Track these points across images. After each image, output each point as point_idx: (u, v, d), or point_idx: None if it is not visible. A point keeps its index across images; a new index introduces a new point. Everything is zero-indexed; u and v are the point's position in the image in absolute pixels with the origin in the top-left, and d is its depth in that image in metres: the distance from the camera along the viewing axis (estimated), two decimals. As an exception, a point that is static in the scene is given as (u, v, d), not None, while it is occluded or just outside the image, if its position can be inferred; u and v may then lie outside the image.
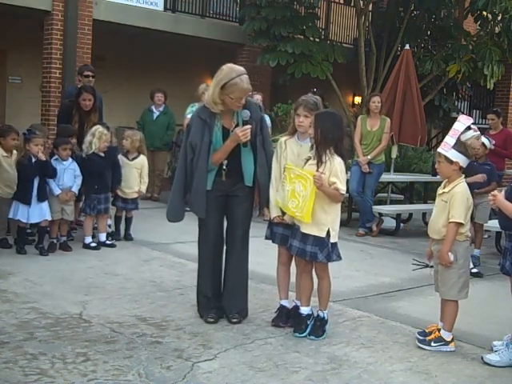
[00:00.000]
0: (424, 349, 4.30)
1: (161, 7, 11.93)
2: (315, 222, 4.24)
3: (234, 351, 4.04)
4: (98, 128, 6.79)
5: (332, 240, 4.30)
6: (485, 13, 12.32)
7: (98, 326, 4.35)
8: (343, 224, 9.40)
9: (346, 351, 4.19)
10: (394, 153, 9.79)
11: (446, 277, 4.32)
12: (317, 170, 4.20)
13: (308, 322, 4.44)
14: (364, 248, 7.90)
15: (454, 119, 13.40)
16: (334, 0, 15.09)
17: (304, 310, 4.48)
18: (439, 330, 4.38)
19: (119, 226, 7.36)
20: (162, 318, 4.61)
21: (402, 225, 9.20)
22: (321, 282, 4.47)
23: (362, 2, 13.14)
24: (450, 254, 4.23)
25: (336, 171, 4.22)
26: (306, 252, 4.30)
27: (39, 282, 5.38)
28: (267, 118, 8.93)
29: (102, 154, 6.74)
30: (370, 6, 13.65)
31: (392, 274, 6.47)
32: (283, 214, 4.48)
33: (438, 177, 10.17)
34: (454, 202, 4.23)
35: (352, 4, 13.43)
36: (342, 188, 4.25)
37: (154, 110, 10.60)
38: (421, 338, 4.38)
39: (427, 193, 10.27)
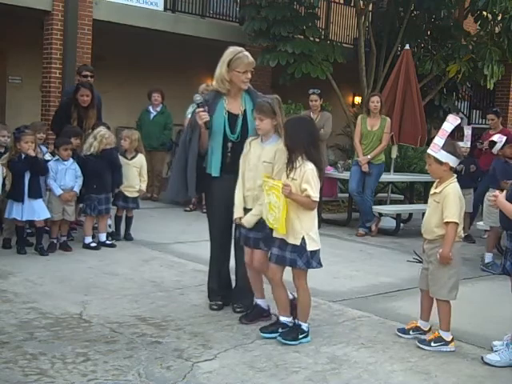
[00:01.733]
0: (424, 349, 4.31)
1: (161, 7, 11.93)
2: (290, 230, 4.17)
3: (234, 351, 4.04)
4: (101, 131, 6.83)
5: (309, 248, 4.18)
6: (485, 13, 12.32)
7: (98, 325, 4.35)
8: (343, 224, 9.44)
9: (346, 351, 4.19)
10: (394, 153, 9.79)
11: (436, 276, 4.35)
12: (287, 177, 4.15)
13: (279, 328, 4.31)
14: (364, 248, 7.90)
15: (454, 119, 12.91)
16: (334, 0, 15.09)
17: (282, 319, 4.35)
18: (428, 330, 4.42)
19: (119, 226, 7.37)
20: (162, 317, 4.61)
21: (401, 225, 9.20)
22: (298, 293, 4.35)
23: (361, 2, 13.14)
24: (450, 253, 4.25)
25: (307, 177, 4.10)
26: (286, 258, 4.21)
27: (39, 281, 5.38)
28: None
29: (99, 154, 6.77)
30: (370, 6, 13.65)
31: (392, 274, 6.48)
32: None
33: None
34: (446, 202, 4.26)
35: (352, 4, 13.43)
36: (314, 195, 4.11)
37: (152, 110, 10.58)
38: (421, 339, 4.39)
39: (427, 193, 10.26)
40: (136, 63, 12.95)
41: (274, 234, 4.27)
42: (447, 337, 4.33)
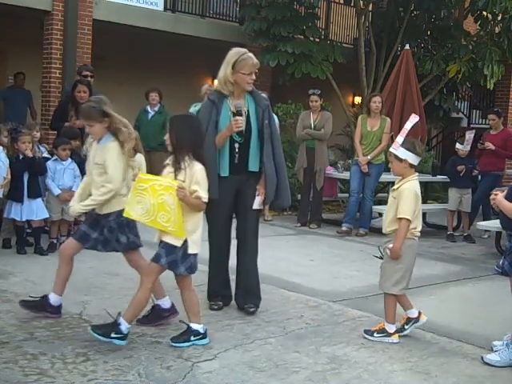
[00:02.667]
0: (367, 339, 4.38)
1: (161, 7, 11.92)
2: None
3: (234, 351, 4.04)
4: None
5: (190, 251, 3.98)
6: (485, 13, 12.31)
7: (98, 326, 4.35)
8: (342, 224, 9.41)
9: (346, 351, 4.19)
10: (394, 153, 9.78)
11: (384, 268, 4.52)
12: (175, 178, 3.97)
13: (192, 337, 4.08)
14: (364, 248, 7.89)
15: (454, 119, 13.44)
16: (334, 0, 15.09)
17: (192, 326, 4.12)
18: (418, 315, 4.50)
19: (119, 226, 7.34)
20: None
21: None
22: (139, 291, 4.13)
23: (361, 2, 13.13)
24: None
25: (197, 178, 3.94)
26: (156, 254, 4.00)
27: (39, 282, 5.38)
28: (276, 119, 8.99)
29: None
30: (370, 6, 13.65)
31: (392, 274, 6.46)
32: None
33: (439, 177, 10.13)
34: (400, 198, 4.33)
35: (352, 4, 13.42)
36: (204, 196, 3.95)
37: (149, 109, 10.53)
38: (366, 328, 4.48)
39: (427, 193, 10.27)
40: (136, 63, 12.94)
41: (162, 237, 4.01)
42: (390, 329, 4.41)
